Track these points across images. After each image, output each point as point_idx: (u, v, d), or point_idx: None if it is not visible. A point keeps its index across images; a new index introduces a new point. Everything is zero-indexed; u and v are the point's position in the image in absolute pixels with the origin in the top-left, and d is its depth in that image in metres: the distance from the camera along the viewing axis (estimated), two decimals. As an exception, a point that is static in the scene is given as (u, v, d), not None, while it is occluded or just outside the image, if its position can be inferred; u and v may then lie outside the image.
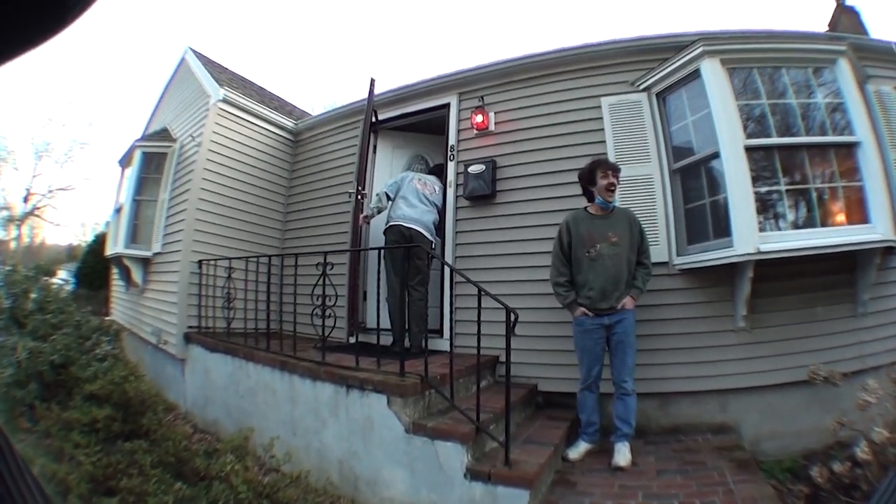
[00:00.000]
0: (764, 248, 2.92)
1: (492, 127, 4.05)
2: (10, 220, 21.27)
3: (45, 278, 6.12)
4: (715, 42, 3.25)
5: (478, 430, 2.50)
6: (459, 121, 4.26)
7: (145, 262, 5.28)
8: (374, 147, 4.78)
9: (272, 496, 2.52)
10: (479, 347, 2.58)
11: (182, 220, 4.69)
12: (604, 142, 3.64)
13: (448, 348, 2.87)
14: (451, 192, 4.17)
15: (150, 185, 5.37)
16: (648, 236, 3.06)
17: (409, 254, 3.44)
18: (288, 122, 5.53)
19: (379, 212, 3.93)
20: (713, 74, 3.20)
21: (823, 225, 3.11)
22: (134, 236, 5.32)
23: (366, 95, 4.48)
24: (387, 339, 3.47)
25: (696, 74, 3.30)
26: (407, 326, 3.60)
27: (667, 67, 3.46)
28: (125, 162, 5.80)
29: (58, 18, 0.29)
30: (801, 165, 3.18)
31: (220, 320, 4.18)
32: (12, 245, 21.80)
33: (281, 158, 5.48)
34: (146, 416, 3.43)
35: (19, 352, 3.90)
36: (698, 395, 3.24)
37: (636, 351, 2.88)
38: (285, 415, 3.31)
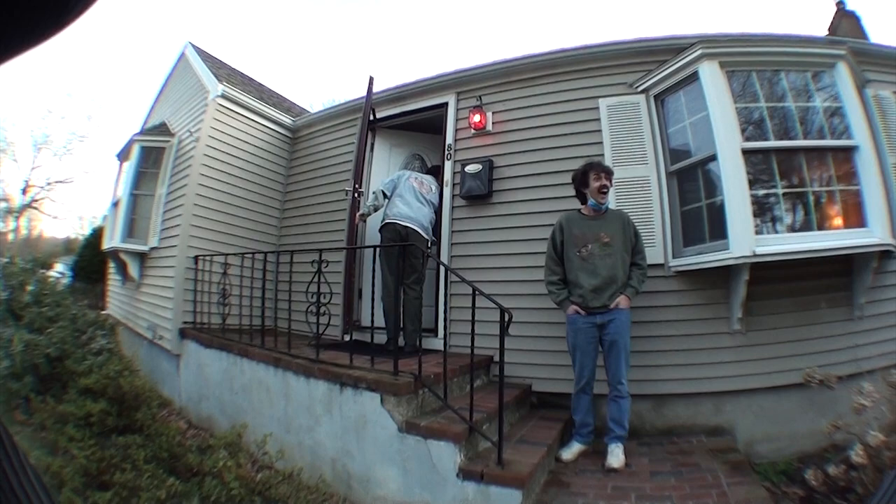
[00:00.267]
0: (760, 250, 2.91)
1: (489, 127, 4.05)
2: (9, 211, 21.24)
3: (42, 271, 6.08)
4: (714, 45, 3.24)
5: (471, 430, 2.50)
6: (457, 120, 4.26)
7: (142, 257, 5.28)
8: (372, 145, 4.77)
9: (264, 493, 2.52)
10: (472, 347, 2.58)
11: (179, 215, 4.69)
12: (601, 143, 3.63)
13: (442, 347, 2.89)
14: (447, 191, 4.16)
15: (148, 179, 5.35)
16: (644, 238, 3.07)
17: (405, 252, 3.43)
18: (286, 119, 5.52)
19: (375, 210, 3.92)
20: (711, 77, 3.20)
21: (820, 228, 3.11)
22: (131, 230, 5.30)
23: (364, 93, 4.47)
24: (381, 338, 3.46)
25: (694, 77, 3.29)
26: (402, 325, 3.60)
27: (665, 69, 3.45)
28: (123, 156, 5.78)
29: (59, 19, 0.29)
30: (798, 169, 3.18)
31: (215, 316, 4.18)
32: (10, 237, 21.79)
33: (278, 155, 5.47)
34: (140, 410, 3.43)
35: (15, 344, 3.89)
36: (693, 396, 3.24)
37: (631, 352, 2.89)
38: (279, 412, 3.30)
